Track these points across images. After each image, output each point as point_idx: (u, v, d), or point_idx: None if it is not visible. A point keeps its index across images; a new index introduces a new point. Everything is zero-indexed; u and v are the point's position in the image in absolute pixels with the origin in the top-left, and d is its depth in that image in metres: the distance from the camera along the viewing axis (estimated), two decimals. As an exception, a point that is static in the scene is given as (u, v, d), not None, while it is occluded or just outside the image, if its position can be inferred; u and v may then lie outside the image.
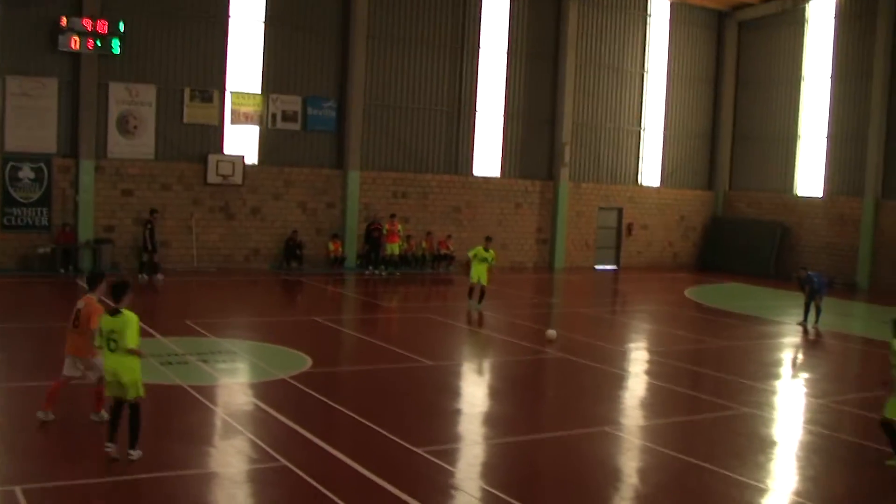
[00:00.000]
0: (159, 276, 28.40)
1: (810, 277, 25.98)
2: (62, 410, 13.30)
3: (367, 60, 33.94)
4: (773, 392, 18.12)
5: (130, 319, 11.49)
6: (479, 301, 25.70)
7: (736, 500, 11.57)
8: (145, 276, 28.14)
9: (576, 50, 38.18)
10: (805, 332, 25.28)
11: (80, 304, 12.88)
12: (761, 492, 12.01)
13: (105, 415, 12.67)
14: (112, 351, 11.49)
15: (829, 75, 38.24)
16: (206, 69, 31.58)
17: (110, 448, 11.47)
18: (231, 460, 12.14)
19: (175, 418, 13.97)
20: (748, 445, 13.99)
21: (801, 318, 26.00)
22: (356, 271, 33.12)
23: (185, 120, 31.35)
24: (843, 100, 37.81)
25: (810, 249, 38.14)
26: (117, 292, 11.78)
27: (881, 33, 35.95)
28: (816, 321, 25.80)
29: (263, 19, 32.43)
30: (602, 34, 39.28)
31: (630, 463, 13.23)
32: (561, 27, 37.95)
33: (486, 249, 26.02)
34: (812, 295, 25.78)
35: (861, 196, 36.82)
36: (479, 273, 25.63)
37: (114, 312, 11.58)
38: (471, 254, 26.30)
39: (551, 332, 18.95)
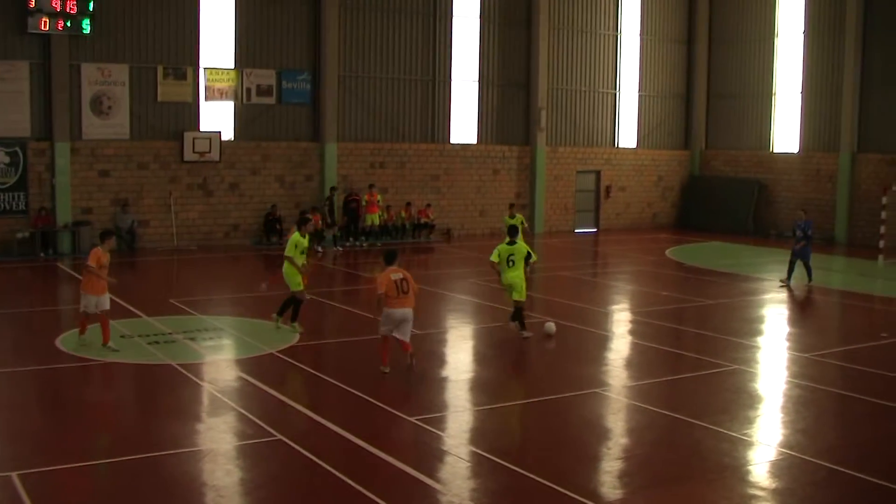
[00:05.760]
0: (339, 248, 32.21)
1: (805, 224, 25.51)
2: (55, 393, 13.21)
3: (340, 31, 33.68)
4: (759, 348, 18.23)
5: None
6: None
7: (728, 454, 11.68)
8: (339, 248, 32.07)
9: (548, 14, 38.00)
10: (790, 290, 25.03)
11: (397, 275, 15.28)
12: (753, 446, 12.12)
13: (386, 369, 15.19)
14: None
15: (802, 30, 38.22)
16: (179, 46, 31.25)
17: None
18: (225, 436, 12.15)
19: (166, 397, 13.98)
20: (737, 401, 14.12)
21: (784, 277, 25.71)
22: (337, 244, 33.00)
23: (160, 98, 31.05)
24: (817, 54, 37.78)
25: (787, 205, 38.23)
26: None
27: (852, -13, 35.95)
28: (809, 279, 25.44)
29: (234, -7, 32.16)
30: (574, -3, 39.21)
31: (621, 423, 13.33)
32: (533, -9, 37.85)
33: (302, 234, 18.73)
34: (798, 246, 25.35)
35: (837, 150, 36.90)
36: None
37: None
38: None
39: (550, 326, 18.52)
